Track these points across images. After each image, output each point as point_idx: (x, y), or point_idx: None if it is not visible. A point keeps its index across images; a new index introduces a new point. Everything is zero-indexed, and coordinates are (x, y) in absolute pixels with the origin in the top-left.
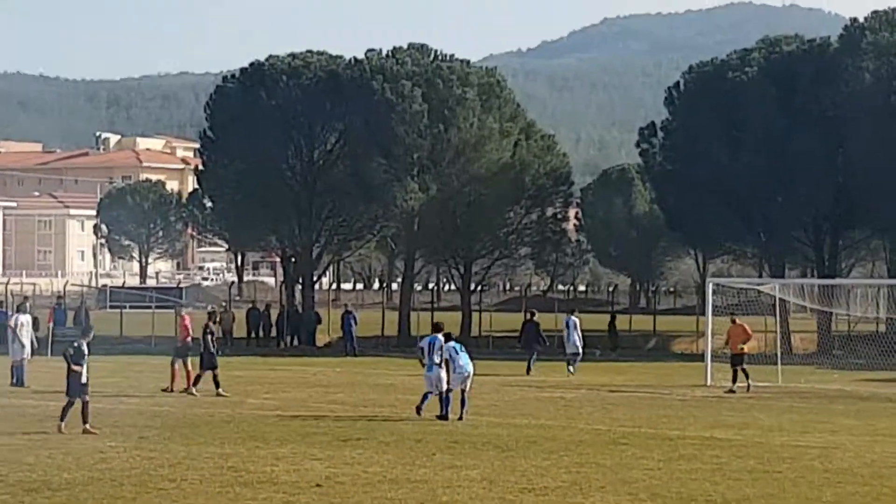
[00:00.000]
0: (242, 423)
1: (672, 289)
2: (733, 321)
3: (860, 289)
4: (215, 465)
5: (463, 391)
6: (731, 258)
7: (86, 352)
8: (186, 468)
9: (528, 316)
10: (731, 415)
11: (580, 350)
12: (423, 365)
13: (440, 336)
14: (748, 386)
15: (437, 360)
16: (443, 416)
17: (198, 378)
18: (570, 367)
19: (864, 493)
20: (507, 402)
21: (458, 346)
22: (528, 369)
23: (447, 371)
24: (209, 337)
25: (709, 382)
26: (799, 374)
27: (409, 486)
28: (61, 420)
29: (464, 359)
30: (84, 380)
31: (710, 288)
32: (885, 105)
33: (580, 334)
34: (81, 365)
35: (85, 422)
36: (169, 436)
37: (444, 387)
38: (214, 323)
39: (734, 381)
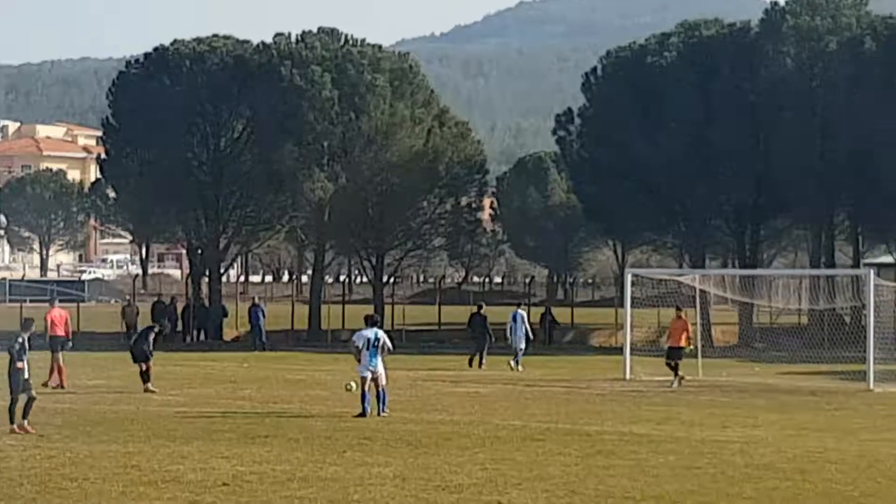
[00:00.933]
0: (147, 420)
1: (590, 280)
2: (678, 316)
3: (782, 280)
4: (118, 464)
5: (381, 387)
6: (651, 248)
7: (27, 347)
8: (89, 467)
9: (476, 308)
10: (651, 409)
11: (523, 345)
12: (360, 361)
13: (378, 329)
14: (675, 381)
15: (380, 353)
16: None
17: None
18: (514, 362)
19: (785, 487)
20: (421, 397)
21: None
22: (474, 362)
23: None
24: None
25: (628, 376)
26: (720, 367)
27: (319, 484)
28: (11, 422)
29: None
30: (27, 375)
31: (628, 279)
32: (806, 91)
33: (528, 328)
34: (23, 360)
35: (24, 417)
36: (70, 434)
37: (384, 382)
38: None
39: (676, 373)
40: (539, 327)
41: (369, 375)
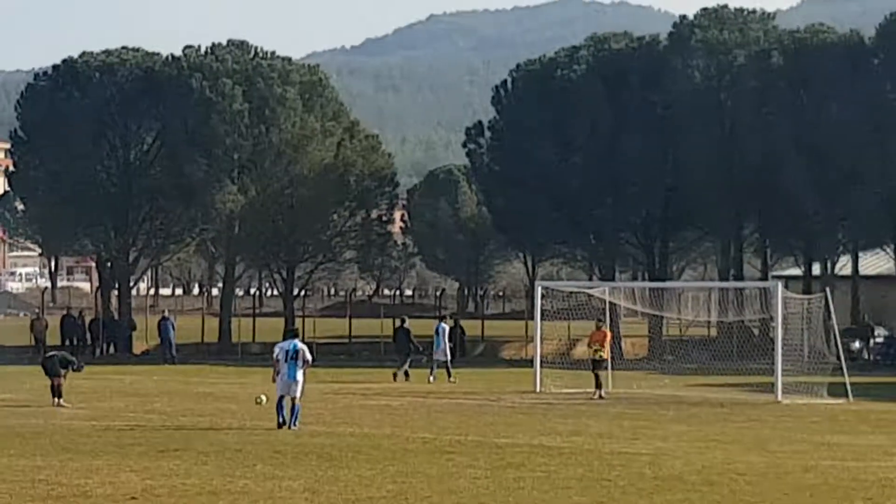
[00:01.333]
0: (55, 434)
1: (501, 293)
2: (598, 327)
3: (691, 292)
4: (26, 479)
5: (293, 399)
6: (561, 261)
7: None
8: None
9: (399, 322)
10: (561, 422)
11: (448, 356)
12: (278, 373)
13: (298, 341)
14: (597, 393)
15: (299, 365)
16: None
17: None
18: (433, 374)
19: (694, 499)
20: (331, 410)
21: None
22: (399, 375)
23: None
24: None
25: (538, 389)
26: (630, 379)
27: (229, 497)
28: None
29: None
30: None
31: (538, 292)
32: (714, 104)
33: (447, 341)
34: None
35: None
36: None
37: (298, 394)
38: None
39: (598, 386)
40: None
41: (287, 388)
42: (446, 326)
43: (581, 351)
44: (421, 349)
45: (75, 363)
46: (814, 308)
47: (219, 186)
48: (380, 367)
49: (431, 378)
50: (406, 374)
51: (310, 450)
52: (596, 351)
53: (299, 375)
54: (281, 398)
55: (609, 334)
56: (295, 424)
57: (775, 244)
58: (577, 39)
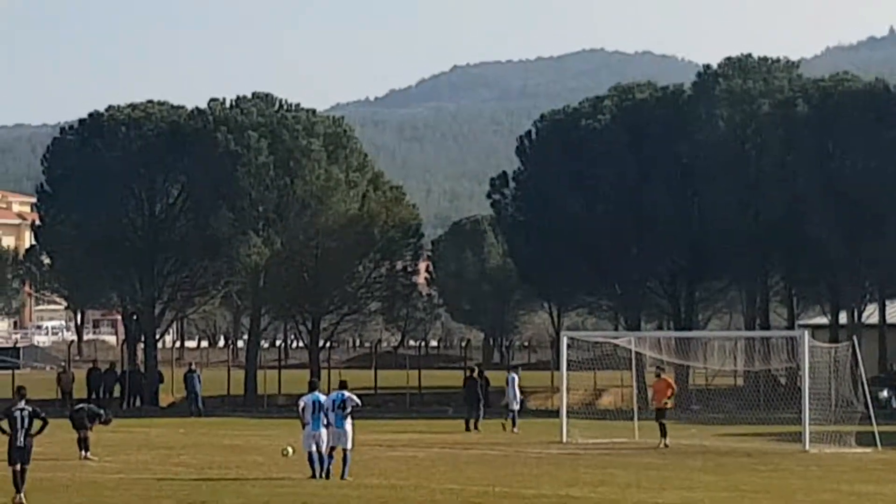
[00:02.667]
0: (82, 488)
1: (526, 343)
2: (658, 375)
3: (717, 341)
4: None
5: (345, 451)
6: (586, 311)
7: None
8: None
9: (471, 372)
10: (588, 472)
11: (517, 407)
12: (304, 425)
13: (321, 395)
14: (662, 442)
15: (325, 420)
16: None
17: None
18: (512, 425)
19: None
20: (358, 461)
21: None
22: (470, 426)
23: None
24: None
25: (564, 439)
26: (656, 429)
27: None
28: None
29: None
30: None
31: (564, 342)
32: (738, 153)
33: (517, 391)
34: None
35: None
36: (4, 501)
37: (324, 446)
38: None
39: (663, 434)
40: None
41: (313, 442)
42: (516, 376)
43: (607, 401)
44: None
45: (103, 415)
46: (841, 357)
47: (244, 239)
48: (406, 419)
49: (515, 429)
50: (472, 425)
51: (337, 501)
52: (662, 400)
53: (347, 426)
54: (311, 452)
55: (671, 382)
56: (345, 476)
57: (801, 293)
58: (600, 89)
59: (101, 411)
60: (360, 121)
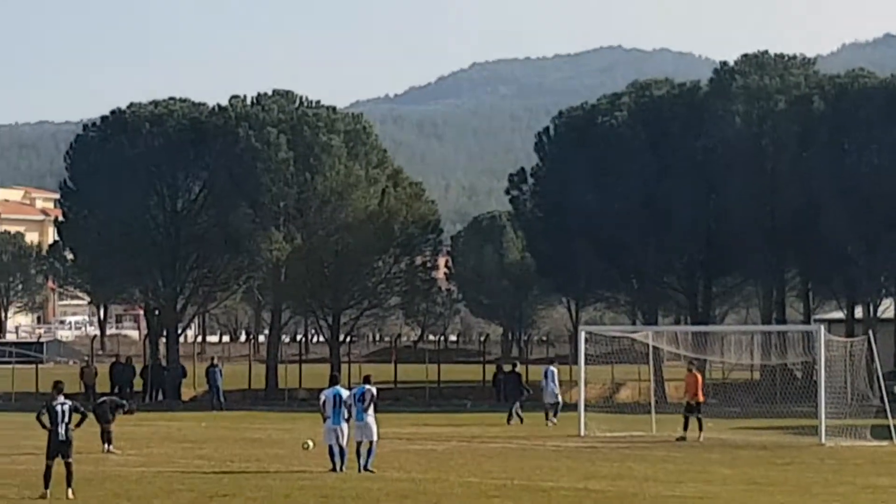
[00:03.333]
0: (106, 480)
1: (544, 338)
2: (689, 370)
3: (734, 336)
4: None
5: (370, 443)
6: (604, 306)
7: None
8: None
9: (511, 367)
10: (606, 465)
11: (559, 399)
12: (325, 419)
13: (341, 389)
14: (701, 436)
15: (346, 414)
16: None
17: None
18: (551, 418)
19: None
20: (378, 454)
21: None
22: (511, 417)
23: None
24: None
25: (582, 433)
26: (674, 422)
27: None
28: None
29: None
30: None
31: (582, 336)
32: (755, 149)
33: (557, 384)
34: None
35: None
36: (28, 494)
37: (345, 441)
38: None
39: (686, 428)
40: (492, 385)
41: (334, 436)
42: (555, 370)
43: (625, 395)
44: (530, 392)
45: (126, 405)
46: (857, 351)
47: (265, 234)
48: (425, 412)
49: (554, 420)
50: (520, 417)
51: (357, 494)
52: (693, 395)
53: (369, 418)
54: (331, 445)
55: (700, 377)
56: (369, 467)
57: (817, 288)
58: (618, 86)
59: (124, 402)
60: (379, 117)
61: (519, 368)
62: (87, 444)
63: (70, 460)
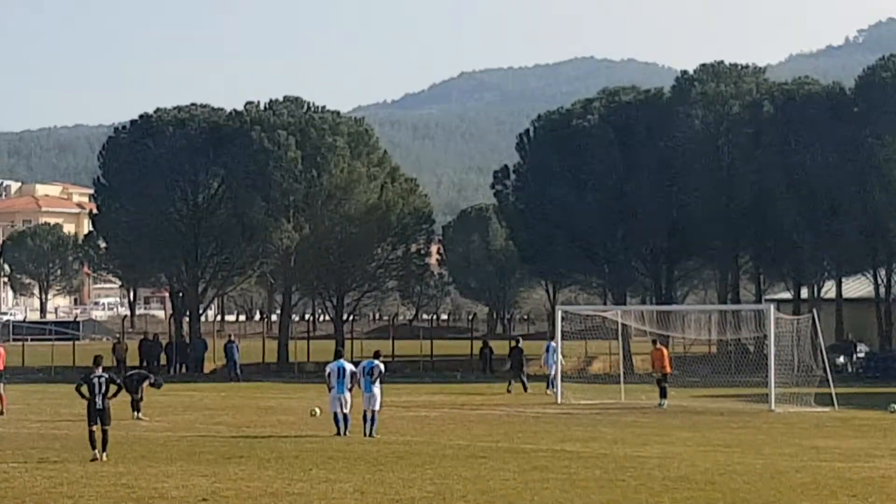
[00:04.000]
0: (135, 443)
1: (526, 316)
2: (654, 344)
3: (693, 314)
4: (110, 483)
5: (373, 412)
6: (579, 288)
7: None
8: (84, 486)
9: (515, 343)
10: (580, 429)
11: (556, 371)
12: (330, 389)
13: (345, 362)
14: (665, 403)
15: (348, 384)
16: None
17: (138, 404)
18: (550, 387)
19: (698, 497)
20: (378, 421)
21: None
22: (520, 387)
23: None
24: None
25: (559, 401)
26: (640, 391)
27: (288, 498)
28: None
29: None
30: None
31: (559, 315)
32: (712, 148)
33: (559, 357)
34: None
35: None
36: (67, 456)
37: (348, 408)
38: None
39: (663, 396)
40: (479, 358)
41: (338, 404)
42: (555, 344)
43: (597, 367)
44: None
45: (151, 378)
46: (802, 327)
47: (276, 225)
48: (419, 384)
49: (549, 391)
50: (523, 386)
51: (359, 456)
52: (661, 368)
53: (375, 389)
54: (336, 412)
55: (666, 351)
56: (373, 433)
57: (768, 271)
58: (590, 93)
59: (150, 375)
60: (378, 121)
61: (522, 344)
62: (119, 412)
63: (107, 427)
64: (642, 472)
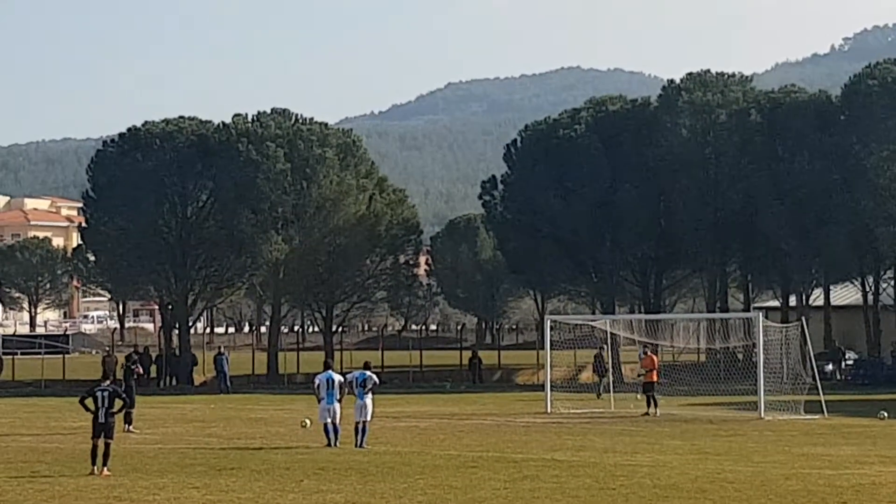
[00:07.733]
0: (126, 456)
1: (514, 326)
2: (645, 353)
3: (682, 323)
4: (101, 496)
5: (364, 422)
6: (567, 297)
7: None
8: (75, 499)
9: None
10: (570, 438)
11: None
12: (319, 400)
13: (333, 373)
14: (656, 412)
15: (337, 395)
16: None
17: (130, 417)
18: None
19: None
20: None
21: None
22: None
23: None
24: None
25: (549, 410)
26: (629, 400)
27: None
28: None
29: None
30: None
31: (548, 324)
32: (699, 157)
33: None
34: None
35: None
36: (59, 469)
37: (338, 419)
38: (133, 364)
39: (649, 405)
40: (468, 369)
41: (328, 415)
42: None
43: (586, 376)
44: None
45: (133, 370)
46: (791, 335)
47: (265, 237)
48: (409, 394)
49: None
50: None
51: (349, 466)
52: (648, 373)
53: (368, 400)
54: (325, 423)
55: (656, 359)
56: (363, 444)
57: (756, 279)
58: (577, 102)
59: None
60: (366, 132)
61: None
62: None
63: (109, 441)
64: (633, 481)
